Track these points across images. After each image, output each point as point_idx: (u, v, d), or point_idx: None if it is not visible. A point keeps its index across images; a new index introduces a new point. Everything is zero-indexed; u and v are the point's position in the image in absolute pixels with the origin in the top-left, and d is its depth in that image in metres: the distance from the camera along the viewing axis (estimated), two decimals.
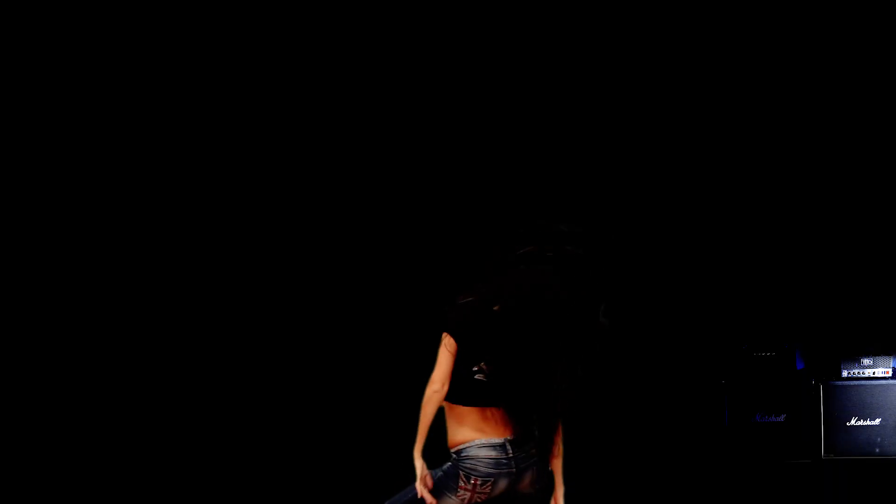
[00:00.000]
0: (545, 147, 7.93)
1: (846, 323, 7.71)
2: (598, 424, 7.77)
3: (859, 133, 7.73)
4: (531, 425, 4.49)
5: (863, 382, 7.39)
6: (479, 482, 4.45)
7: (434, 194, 7.86)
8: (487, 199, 7.85)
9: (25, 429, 7.59)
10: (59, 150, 7.71)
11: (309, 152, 7.87)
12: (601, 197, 7.94)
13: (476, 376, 4.44)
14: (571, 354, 4.62)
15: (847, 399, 7.38)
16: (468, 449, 4.45)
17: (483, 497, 4.47)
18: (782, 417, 7.43)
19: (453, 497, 4.47)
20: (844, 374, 7.44)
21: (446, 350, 4.42)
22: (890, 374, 7.41)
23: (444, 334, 4.43)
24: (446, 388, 4.41)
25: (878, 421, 7.34)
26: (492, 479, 4.45)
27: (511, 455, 4.45)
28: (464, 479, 4.45)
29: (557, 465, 4.62)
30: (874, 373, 7.42)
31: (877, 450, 7.32)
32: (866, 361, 7.44)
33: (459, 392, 4.46)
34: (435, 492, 4.43)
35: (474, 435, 4.46)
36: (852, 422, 7.36)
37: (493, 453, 4.45)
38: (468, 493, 4.45)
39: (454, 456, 4.46)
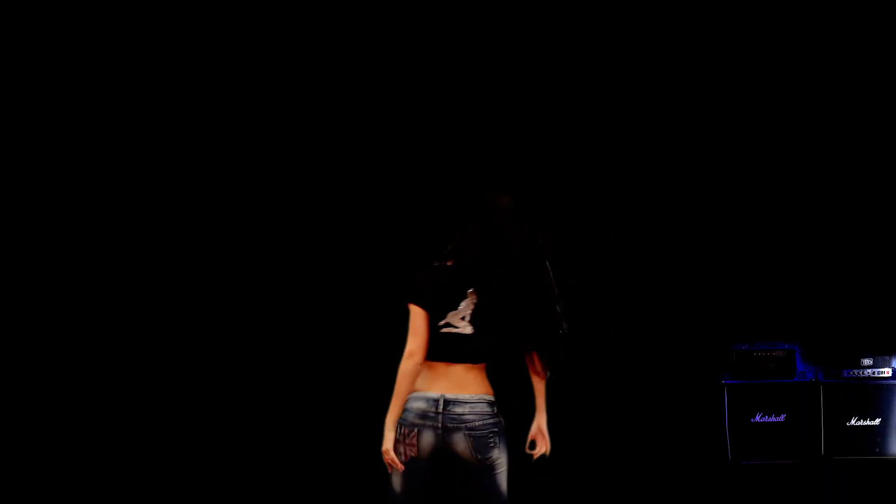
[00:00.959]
0: (545, 148, 7.93)
1: (846, 323, 7.71)
2: (597, 424, 7.77)
3: (858, 133, 7.73)
4: (484, 385, 4.53)
5: (863, 382, 7.39)
6: (406, 431, 4.49)
7: (429, 194, 7.86)
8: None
9: (22, 429, 7.59)
10: (52, 150, 7.72)
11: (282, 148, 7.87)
12: (602, 197, 7.94)
13: (442, 330, 4.49)
14: (535, 294, 4.64)
15: (847, 399, 7.37)
16: (409, 399, 4.52)
17: (413, 449, 4.49)
18: (782, 417, 7.42)
19: (393, 454, 4.53)
20: (844, 374, 7.43)
21: (416, 318, 4.48)
22: (890, 374, 7.40)
23: (410, 305, 4.48)
24: (424, 356, 4.47)
25: (878, 421, 7.33)
26: (416, 430, 4.48)
27: (440, 411, 4.49)
28: (397, 428, 4.51)
29: (539, 388, 4.66)
30: (874, 373, 7.42)
31: (877, 450, 7.31)
32: (866, 361, 7.44)
33: (435, 349, 4.53)
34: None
35: (419, 387, 4.53)
36: (852, 422, 7.35)
37: (423, 405, 4.50)
38: (400, 444, 4.50)
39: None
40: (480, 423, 4.52)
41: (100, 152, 7.76)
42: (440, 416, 4.50)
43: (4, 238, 7.68)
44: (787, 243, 7.85)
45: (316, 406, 7.74)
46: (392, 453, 4.46)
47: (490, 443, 4.52)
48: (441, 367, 4.54)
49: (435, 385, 4.53)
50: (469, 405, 4.52)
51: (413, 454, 4.51)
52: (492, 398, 4.57)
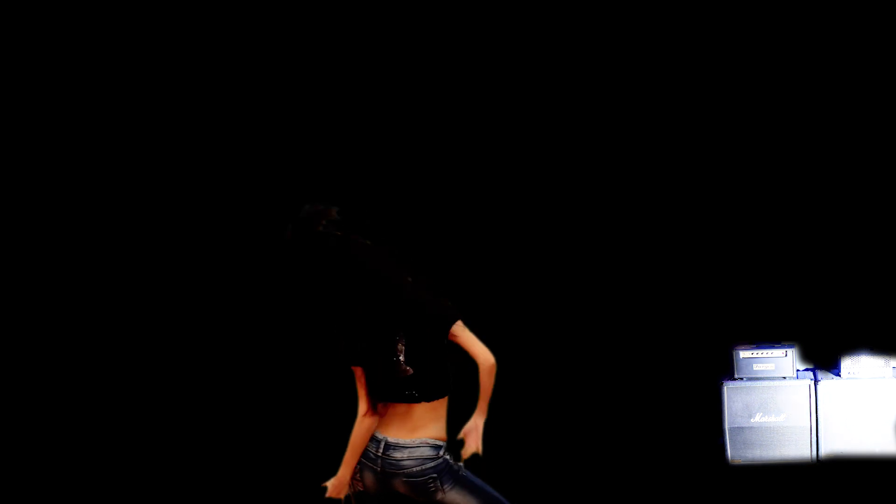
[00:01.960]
0: (545, 148, 7.94)
1: (846, 323, 7.72)
2: (597, 424, 7.78)
3: (858, 133, 7.74)
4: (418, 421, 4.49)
5: (862, 382, 7.39)
6: (358, 466, 4.53)
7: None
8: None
9: (21, 429, 7.60)
10: (52, 150, 7.73)
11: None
12: (602, 197, 7.95)
13: (382, 378, 4.48)
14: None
15: (846, 399, 7.38)
16: None
17: (359, 485, 4.53)
18: (782, 417, 7.43)
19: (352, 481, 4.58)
20: (844, 374, 7.44)
21: (359, 379, 4.50)
22: (889, 374, 7.42)
23: (352, 368, 4.51)
24: (373, 413, 4.49)
25: (876, 421, 7.35)
26: (359, 467, 4.52)
27: (379, 454, 4.50)
28: None
29: (485, 389, 4.58)
30: (874, 373, 7.43)
31: (876, 449, 7.32)
32: (866, 361, 7.45)
33: (381, 392, 4.52)
34: None
35: (379, 428, 4.55)
36: (851, 422, 7.37)
37: (370, 445, 4.51)
38: (351, 477, 4.55)
39: None
40: (418, 468, 4.48)
41: (96, 152, 7.77)
42: (379, 460, 4.50)
43: (4, 238, 7.68)
44: (786, 243, 7.86)
45: (315, 406, 7.75)
46: (330, 488, 4.53)
47: (430, 487, 4.49)
48: (395, 408, 4.52)
49: (384, 426, 4.52)
50: (408, 450, 4.48)
51: (360, 489, 4.54)
52: (437, 441, 4.51)
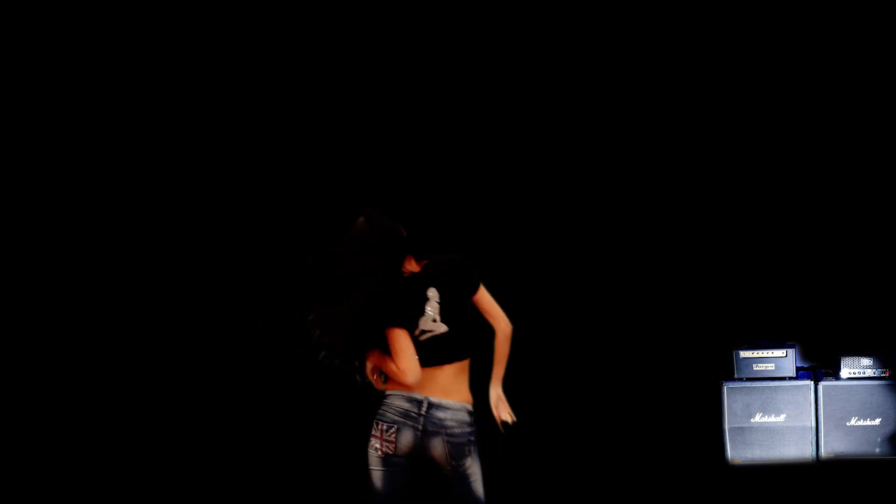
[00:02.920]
0: (545, 148, 7.94)
1: (846, 323, 7.71)
2: (597, 424, 7.77)
3: (858, 134, 7.73)
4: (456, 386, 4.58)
5: (863, 382, 7.39)
6: (385, 427, 4.53)
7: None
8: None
9: (19, 429, 7.60)
10: (51, 150, 7.73)
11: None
12: (602, 197, 7.94)
13: (421, 338, 4.54)
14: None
15: (847, 399, 7.38)
16: (389, 396, 4.57)
17: (391, 447, 4.53)
18: (782, 417, 7.43)
19: (371, 451, 4.56)
20: (844, 373, 7.43)
21: (400, 339, 4.53)
22: (890, 374, 7.40)
23: (388, 330, 4.53)
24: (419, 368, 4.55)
25: (878, 421, 7.34)
26: (395, 427, 4.52)
27: (422, 412, 4.52)
28: (375, 424, 4.55)
29: (500, 357, 4.71)
30: (874, 373, 7.42)
31: (877, 450, 7.32)
32: (866, 361, 7.44)
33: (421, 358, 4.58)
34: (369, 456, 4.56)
35: (402, 386, 4.56)
36: (852, 422, 7.36)
37: (406, 404, 4.54)
38: (378, 440, 4.53)
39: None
40: (459, 430, 4.56)
41: (97, 153, 7.77)
42: (422, 418, 4.53)
43: (4, 238, 7.68)
44: (786, 244, 7.86)
45: (314, 406, 7.75)
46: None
47: (465, 451, 4.56)
48: (428, 372, 4.56)
49: (420, 388, 4.56)
50: (451, 411, 4.56)
51: (390, 451, 4.54)
52: (471, 408, 4.63)
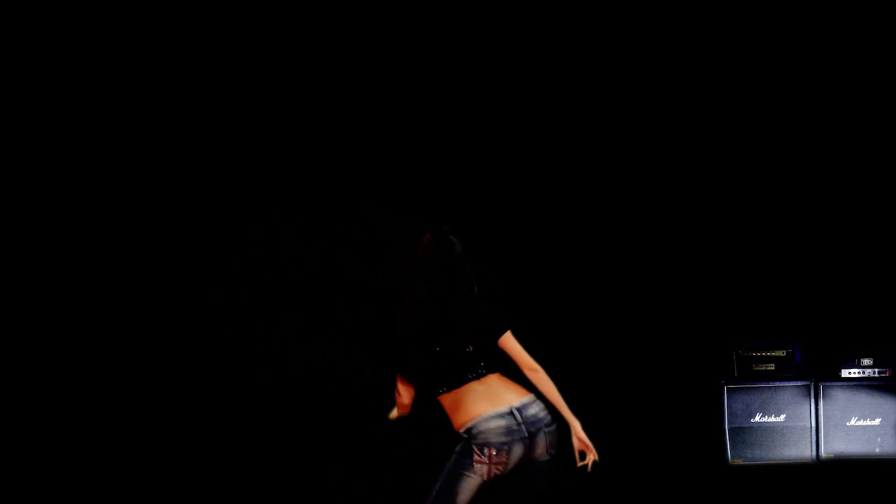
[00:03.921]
0: (545, 148, 7.94)
1: (846, 323, 7.71)
2: (597, 424, 7.76)
3: (857, 134, 7.73)
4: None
5: (863, 382, 7.39)
6: (493, 452, 4.49)
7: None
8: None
9: (19, 429, 7.60)
10: (50, 149, 7.72)
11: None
12: (602, 197, 7.94)
13: (444, 361, 4.57)
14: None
15: (847, 399, 7.38)
16: (477, 424, 4.50)
17: (501, 468, 4.50)
18: (782, 417, 7.43)
19: (473, 475, 4.49)
20: (844, 374, 7.43)
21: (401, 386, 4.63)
22: (890, 374, 7.40)
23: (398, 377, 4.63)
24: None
25: (878, 421, 7.34)
26: (506, 447, 4.49)
27: (521, 421, 4.51)
28: (478, 452, 4.49)
29: (556, 398, 4.72)
30: (874, 373, 7.42)
31: (877, 450, 7.32)
32: (866, 361, 7.44)
33: (443, 380, 4.49)
34: (454, 478, 4.46)
35: (479, 410, 4.50)
36: (852, 422, 7.36)
37: (502, 422, 4.51)
38: (485, 466, 4.48)
39: (464, 435, 4.48)
40: (549, 418, 4.64)
41: (99, 153, 7.77)
42: (523, 426, 4.52)
43: (4, 238, 7.68)
44: (786, 244, 7.86)
45: (314, 406, 7.74)
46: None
47: (556, 439, 4.67)
48: (474, 390, 4.57)
49: (491, 402, 4.55)
50: (534, 405, 4.61)
51: (499, 471, 4.51)
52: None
